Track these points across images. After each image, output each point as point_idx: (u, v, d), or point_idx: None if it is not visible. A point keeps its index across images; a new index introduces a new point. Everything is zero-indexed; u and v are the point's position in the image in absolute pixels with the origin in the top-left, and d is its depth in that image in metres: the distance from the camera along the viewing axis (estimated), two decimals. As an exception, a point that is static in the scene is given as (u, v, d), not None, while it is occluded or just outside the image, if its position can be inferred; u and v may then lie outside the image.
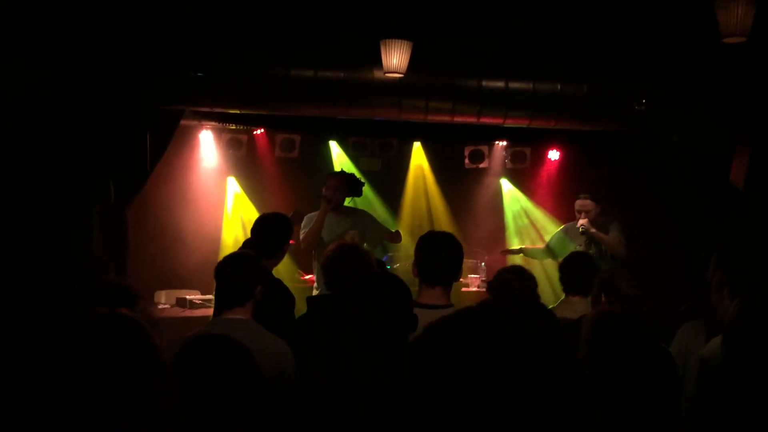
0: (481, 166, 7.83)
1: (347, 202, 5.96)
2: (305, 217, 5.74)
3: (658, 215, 6.85)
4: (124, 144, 5.28)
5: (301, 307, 3.91)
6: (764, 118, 5.16)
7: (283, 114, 6.04)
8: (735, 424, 2.73)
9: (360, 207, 7.98)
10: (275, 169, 7.81)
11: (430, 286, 3.21)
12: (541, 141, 7.54)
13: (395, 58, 5.16)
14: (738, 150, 5.35)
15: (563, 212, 7.69)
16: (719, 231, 5.77)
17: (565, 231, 6.25)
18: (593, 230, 5.82)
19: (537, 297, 4.01)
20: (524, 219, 7.85)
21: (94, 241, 5.24)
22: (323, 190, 5.68)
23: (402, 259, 6.87)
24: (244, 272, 3.23)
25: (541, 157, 7.76)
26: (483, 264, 7.36)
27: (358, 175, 7.92)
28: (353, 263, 3.54)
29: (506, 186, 7.92)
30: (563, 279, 4.37)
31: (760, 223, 5.18)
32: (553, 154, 7.70)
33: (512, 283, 3.82)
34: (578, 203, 5.98)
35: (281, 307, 3.77)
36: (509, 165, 7.79)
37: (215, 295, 3.60)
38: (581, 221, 5.89)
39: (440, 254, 3.26)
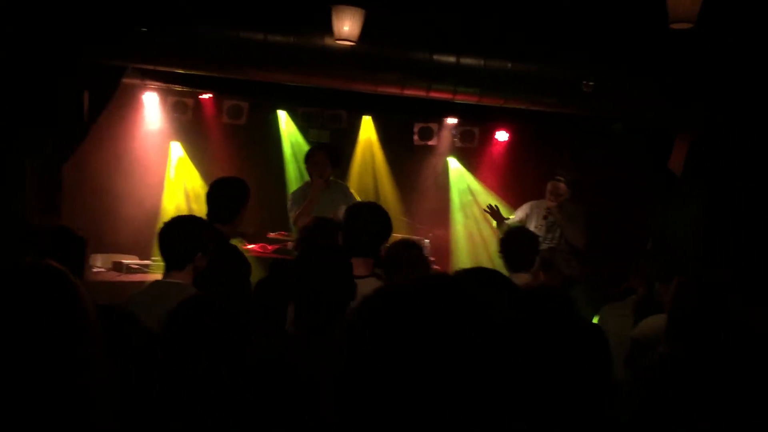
0: (430, 143, 7.82)
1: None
2: (292, 194, 5.73)
3: (603, 198, 6.96)
4: (60, 98, 5.07)
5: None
6: (707, 107, 5.26)
7: (230, 77, 5.89)
8: (684, 407, 2.79)
9: (307, 178, 7.95)
10: (221, 135, 7.66)
11: (358, 256, 3.17)
12: (490, 121, 7.56)
13: (347, 25, 5.09)
14: (679, 137, 5.46)
15: (509, 192, 7.76)
16: (657, 216, 5.90)
17: (530, 207, 6.19)
18: (558, 216, 5.79)
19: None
20: (469, 198, 7.89)
21: (25, 196, 5.04)
22: (309, 164, 5.60)
23: None
24: (184, 235, 3.16)
25: (489, 137, 7.79)
26: (427, 241, 7.37)
27: (306, 145, 7.86)
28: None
29: (453, 164, 7.93)
30: (507, 257, 4.37)
31: (696, 210, 5.31)
32: (502, 135, 7.73)
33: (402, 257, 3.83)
34: (551, 185, 5.91)
35: (234, 275, 3.69)
36: (458, 144, 7.80)
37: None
38: (550, 204, 5.84)
39: (366, 225, 3.27)
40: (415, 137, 7.78)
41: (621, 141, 6.34)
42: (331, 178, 5.79)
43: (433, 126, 7.76)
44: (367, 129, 7.89)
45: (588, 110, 5.71)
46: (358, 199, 5.84)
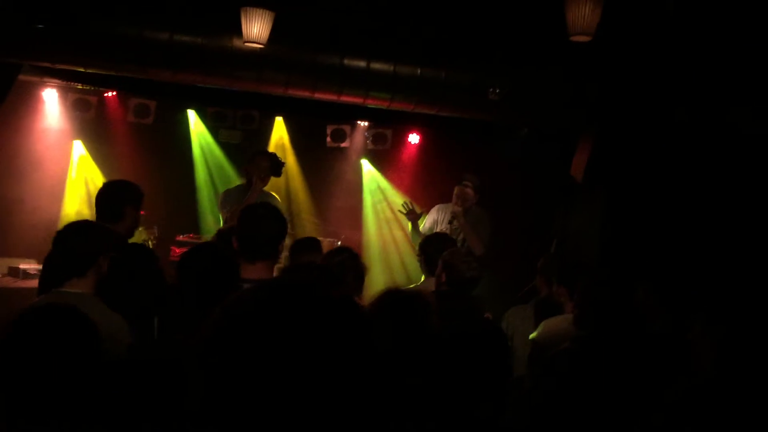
0: (343, 145, 7.83)
1: None
2: (224, 193, 5.69)
3: (510, 201, 7.14)
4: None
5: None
6: (607, 116, 5.49)
7: (135, 77, 5.70)
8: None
9: (218, 180, 7.80)
10: (127, 134, 7.42)
11: (249, 260, 3.17)
12: (402, 124, 7.63)
13: (256, 28, 5.01)
14: (580, 144, 5.67)
15: (420, 194, 7.85)
16: (559, 220, 6.11)
17: (437, 211, 6.21)
18: (462, 220, 5.82)
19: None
20: (381, 199, 7.95)
21: None
22: (252, 166, 5.55)
23: None
24: (82, 240, 3.05)
25: (401, 139, 7.86)
26: (339, 243, 7.38)
27: (217, 148, 7.72)
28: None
29: (366, 166, 7.97)
30: (425, 260, 4.42)
31: (596, 215, 5.53)
32: (414, 138, 7.82)
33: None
34: (458, 190, 5.95)
35: (140, 272, 3.61)
36: (370, 146, 7.84)
37: (45, 267, 3.43)
38: (456, 208, 5.89)
39: (259, 228, 3.23)
40: (328, 139, 7.78)
41: (527, 146, 6.53)
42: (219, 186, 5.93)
43: (346, 128, 7.77)
44: (279, 130, 7.82)
45: (495, 116, 5.84)
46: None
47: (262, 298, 1.02)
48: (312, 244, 4.63)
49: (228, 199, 5.64)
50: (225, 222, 5.35)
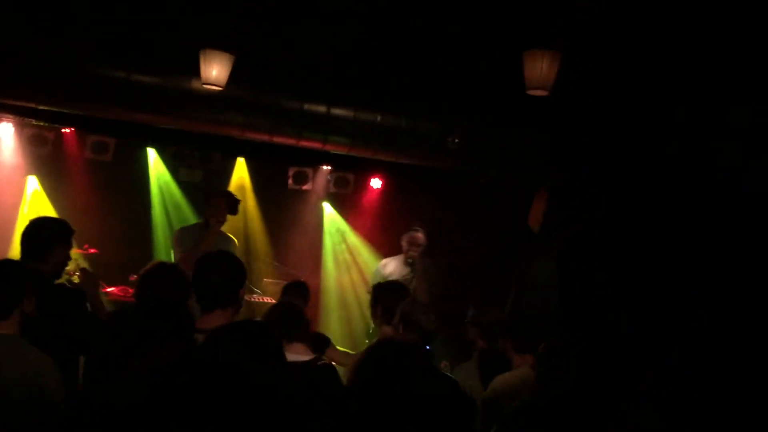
0: (304, 188, 7.78)
1: None
2: (179, 231, 5.58)
3: (468, 250, 7.14)
4: None
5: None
6: (562, 170, 5.55)
7: (90, 115, 5.62)
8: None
9: (175, 219, 7.67)
10: (85, 171, 7.29)
11: (207, 310, 3.07)
12: (364, 168, 7.63)
13: (215, 70, 4.99)
14: (537, 195, 5.71)
15: (380, 239, 7.83)
16: (518, 271, 6.10)
17: (384, 267, 6.21)
18: (418, 266, 5.83)
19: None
20: (342, 244, 7.90)
21: None
22: (209, 209, 5.45)
23: None
24: (4, 281, 2.95)
25: (363, 183, 7.85)
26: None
27: (176, 187, 7.62)
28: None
29: (327, 209, 7.92)
30: (382, 310, 4.33)
31: (551, 266, 5.55)
32: (376, 182, 7.82)
33: None
34: (408, 236, 6.01)
35: (65, 311, 3.51)
36: (332, 189, 7.81)
37: None
38: (412, 253, 5.85)
39: (212, 276, 3.11)
40: (290, 181, 7.73)
41: (487, 196, 6.55)
42: (176, 225, 5.92)
43: (308, 171, 7.74)
44: (240, 170, 7.75)
45: (452, 165, 5.86)
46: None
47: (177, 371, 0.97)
48: (299, 287, 4.87)
49: (183, 237, 5.55)
50: (178, 262, 5.24)
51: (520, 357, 3.79)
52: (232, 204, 5.62)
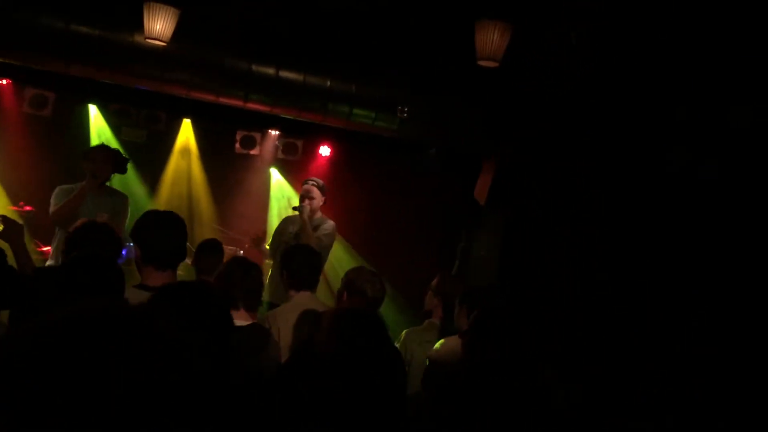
0: (252, 152, 7.65)
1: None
2: (58, 189, 5.12)
3: (415, 221, 7.14)
4: None
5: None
6: (509, 139, 5.55)
7: (27, 65, 5.37)
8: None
9: (115, 179, 7.45)
10: (21, 125, 7.02)
11: (159, 268, 3.02)
12: (313, 135, 7.53)
13: (159, 24, 4.81)
14: (484, 168, 5.71)
15: (329, 207, 7.76)
16: (463, 242, 6.13)
17: (285, 222, 6.03)
18: (306, 217, 5.60)
19: None
20: (288, 211, 7.79)
21: None
22: (85, 163, 5.10)
23: None
24: None
25: (312, 150, 7.75)
26: (242, 252, 7.18)
27: (119, 146, 7.38)
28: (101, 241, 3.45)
29: (275, 176, 7.81)
30: (292, 274, 4.22)
31: (496, 239, 5.58)
32: (324, 150, 7.73)
33: None
34: (304, 188, 5.83)
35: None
36: (281, 155, 7.69)
37: None
38: (304, 205, 5.68)
39: (170, 235, 3.09)
40: (237, 145, 7.58)
41: (435, 167, 6.54)
42: (117, 187, 5.63)
43: (256, 135, 7.60)
44: (186, 132, 7.56)
45: (401, 135, 5.82)
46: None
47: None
48: (215, 246, 4.64)
49: (60, 194, 5.11)
50: (52, 217, 5.02)
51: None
52: (119, 162, 5.28)
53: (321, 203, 5.84)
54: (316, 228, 5.68)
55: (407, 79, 5.64)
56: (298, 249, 4.40)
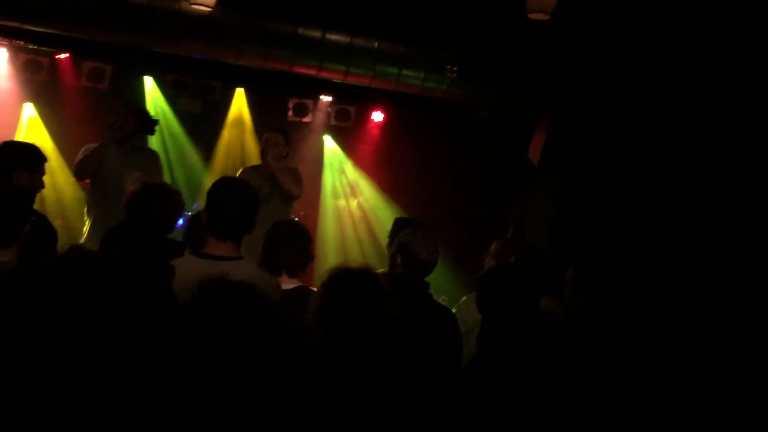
0: (305, 120, 7.63)
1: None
2: (85, 146, 4.94)
3: (469, 184, 7.02)
4: None
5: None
6: (564, 100, 5.36)
7: (79, 36, 5.46)
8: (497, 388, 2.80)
9: (172, 150, 7.58)
10: (80, 99, 7.16)
11: (220, 237, 2.97)
12: (365, 101, 7.46)
13: (204, -11, 4.80)
14: (538, 128, 5.54)
15: (381, 173, 7.72)
16: (517, 204, 5.98)
17: (246, 174, 5.38)
18: (274, 166, 5.17)
19: None
20: (342, 178, 7.79)
21: None
22: (107, 115, 4.87)
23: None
24: (8, 206, 2.84)
25: (364, 117, 7.68)
26: (297, 219, 7.22)
27: (174, 118, 7.48)
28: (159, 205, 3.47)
29: (328, 143, 7.79)
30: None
31: (549, 200, 5.42)
32: (377, 116, 7.65)
33: None
34: (267, 136, 5.34)
35: (49, 244, 3.41)
36: (333, 122, 7.66)
37: None
38: (268, 156, 5.20)
39: (233, 205, 2.99)
40: (290, 113, 7.58)
41: (487, 128, 6.39)
42: (149, 146, 5.58)
43: (308, 102, 7.57)
44: (239, 101, 7.60)
45: (451, 96, 5.69)
46: (165, 180, 5.25)
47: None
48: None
49: (85, 150, 4.89)
50: (74, 171, 4.98)
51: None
52: (142, 119, 5.00)
53: (288, 150, 5.41)
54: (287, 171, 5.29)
55: (457, 39, 5.50)
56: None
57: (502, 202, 6.39)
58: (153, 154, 5.17)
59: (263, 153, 5.26)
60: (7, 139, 6.83)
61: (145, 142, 5.88)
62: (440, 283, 4.88)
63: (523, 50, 5.39)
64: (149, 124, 5.06)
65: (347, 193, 7.74)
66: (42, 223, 3.47)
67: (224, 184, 3.13)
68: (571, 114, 5.31)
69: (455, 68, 5.27)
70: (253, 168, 5.43)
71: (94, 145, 4.88)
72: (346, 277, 2.47)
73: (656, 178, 4.84)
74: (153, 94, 7.37)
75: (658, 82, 4.93)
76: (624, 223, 4.96)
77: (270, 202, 5.15)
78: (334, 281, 2.45)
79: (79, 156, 4.85)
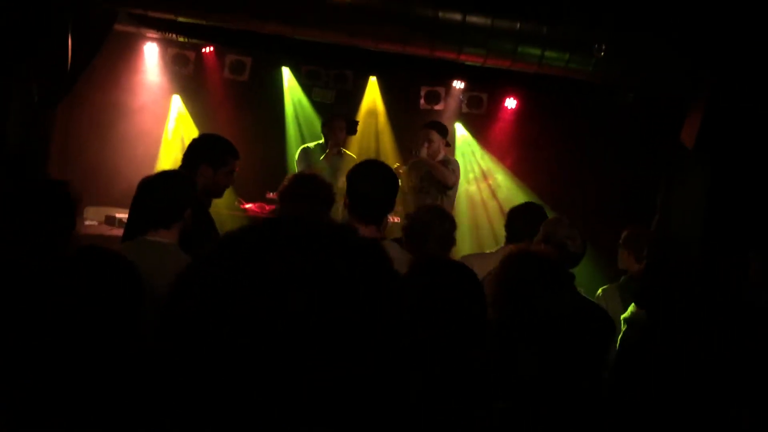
0: (437, 107, 7.59)
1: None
2: (302, 151, 6.21)
3: (611, 169, 6.71)
4: (41, 43, 4.83)
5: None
6: (720, 76, 4.98)
7: (224, 26, 5.66)
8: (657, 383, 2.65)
9: (309, 138, 7.76)
10: (222, 90, 7.48)
11: (361, 221, 2.93)
12: (498, 87, 7.31)
13: (345, -24, 4.85)
14: (692, 108, 5.18)
15: (514, 161, 7.54)
16: (664, 191, 5.64)
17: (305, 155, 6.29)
18: (426, 159, 5.81)
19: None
20: (474, 166, 7.68)
21: (9, 144, 4.88)
22: (325, 130, 6.21)
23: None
24: (176, 189, 2.91)
25: (497, 104, 7.54)
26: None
27: (310, 107, 7.66)
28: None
29: (460, 130, 7.70)
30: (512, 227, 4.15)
31: (705, 186, 5.05)
32: (510, 102, 7.48)
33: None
34: (421, 132, 5.98)
35: (209, 233, 3.51)
36: (465, 109, 7.56)
37: (132, 214, 3.21)
38: (423, 151, 5.84)
39: (373, 187, 2.96)
40: (422, 101, 7.56)
41: (632, 110, 6.07)
42: (343, 149, 6.35)
43: (440, 90, 7.52)
44: (372, 90, 7.66)
45: (598, 76, 5.43)
46: None
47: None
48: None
49: (304, 156, 6.17)
50: None
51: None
52: (350, 126, 6.17)
53: (443, 144, 6.03)
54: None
55: (601, 17, 5.24)
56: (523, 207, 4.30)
57: (646, 189, 6.06)
58: (352, 158, 6.16)
59: (416, 148, 5.95)
60: (159, 129, 7.29)
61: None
62: (582, 274, 4.69)
63: (676, 25, 5.06)
64: (353, 126, 6.44)
65: (478, 179, 7.64)
66: (202, 210, 3.58)
67: (364, 167, 3.11)
68: (731, 91, 4.93)
69: (603, 46, 5.02)
70: (413, 164, 6.10)
71: (307, 146, 6.28)
72: (529, 260, 2.42)
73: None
74: (290, 85, 7.56)
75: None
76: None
77: (428, 194, 5.88)
78: (516, 264, 2.40)
79: (299, 161, 6.17)
